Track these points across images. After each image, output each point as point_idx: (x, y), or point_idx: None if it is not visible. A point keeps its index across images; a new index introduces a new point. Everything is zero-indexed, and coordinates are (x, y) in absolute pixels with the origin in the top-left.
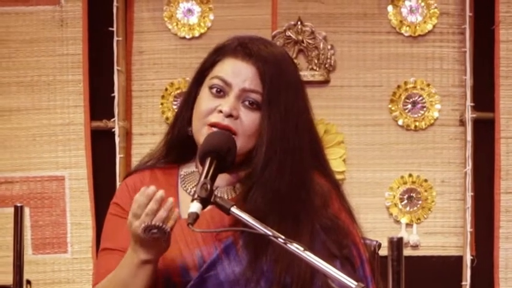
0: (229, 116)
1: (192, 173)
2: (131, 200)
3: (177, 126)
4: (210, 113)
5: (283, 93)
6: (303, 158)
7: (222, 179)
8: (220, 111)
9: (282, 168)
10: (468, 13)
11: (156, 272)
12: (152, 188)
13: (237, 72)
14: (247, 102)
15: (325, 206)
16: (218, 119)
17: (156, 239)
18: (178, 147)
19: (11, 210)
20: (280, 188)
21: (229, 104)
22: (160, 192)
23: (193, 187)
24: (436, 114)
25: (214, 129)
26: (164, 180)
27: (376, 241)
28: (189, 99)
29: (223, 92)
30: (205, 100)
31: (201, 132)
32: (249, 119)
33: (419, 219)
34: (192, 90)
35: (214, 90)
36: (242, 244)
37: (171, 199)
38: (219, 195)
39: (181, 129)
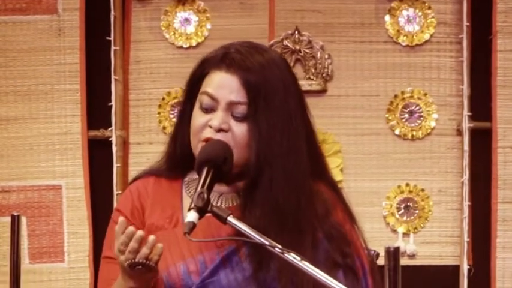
0: (220, 130)
1: (196, 179)
2: (132, 206)
3: (178, 142)
4: (202, 128)
5: (269, 100)
6: (299, 164)
7: (227, 186)
8: (211, 126)
9: (276, 176)
10: (465, 23)
11: None
12: (131, 228)
13: (222, 85)
14: (235, 115)
15: (328, 214)
16: (209, 134)
17: (143, 272)
18: (181, 161)
19: (8, 219)
20: (277, 197)
21: (218, 119)
22: (140, 232)
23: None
24: (433, 124)
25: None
26: (168, 186)
27: (374, 251)
28: (184, 114)
29: (212, 108)
30: (196, 116)
31: (197, 149)
32: (239, 131)
33: (416, 228)
34: (186, 105)
35: (203, 107)
36: (245, 252)
37: (152, 237)
38: (223, 202)
39: (182, 145)
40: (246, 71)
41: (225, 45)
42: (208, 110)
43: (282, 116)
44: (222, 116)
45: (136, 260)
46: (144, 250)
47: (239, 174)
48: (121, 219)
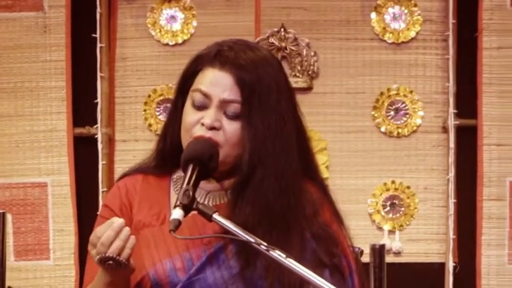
0: (212, 128)
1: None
2: (120, 203)
3: (168, 137)
4: (194, 126)
5: (263, 99)
6: (290, 163)
7: (215, 184)
8: (203, 124)
9: (268, 175)
10: (451, 20)
11: None
12: (115, 218)
13: (215, 83)
14: (228, 113)
15: (316, 214)
16: (201, 132)
17: (113, 267)
18: (170, 158)
19: None
20: (268, 196)
21: (210, 117)
22: (121, 221)
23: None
24: (418, 121)
25: None
26: (156, 184)
27: (358, 248)
28: (176, 110)
29: (204, 105)
30: (188, 113)
31: None
32: (231, 129)
33: (401, 226)
34: (178, 101)
35: (196, 105)
36: (232, 250)
37: (127, 228)
38: (211, 199)
39: (172, 141)
40: (240, 69)
41: (218, 42)
42: (200, 107)
43: (275, 115)
44: (215, 114)
45: (107, 254)
46: (116, 243)
47: (228, 172)
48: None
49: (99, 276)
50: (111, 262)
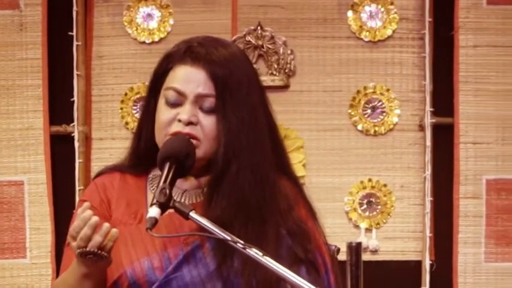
0: (189, 123)
1: (160, 175)
2: (100, 198)
3: (143, 137)
4: (170, 123)
5: (234, 93)
6: (264, 155)
7: (191, 182)
8: (180, 120)
9: (243, 168)
10: (428, 18)
11: (102, 281)
12: (88, 212)
13: (188, 79)
14: (204, 108)
15: (291, 209)
16: (178, 128)
17: (94, 260)
18: (145, 157)
19: None
20: (243, 188)
21: (187, 112)
22: (95, 218)
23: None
24: (395, 119)
25: None
26: (133, 182)
27: (335, 246)
28: (148, 109)
29: (178, 102)
30: (162, 111)
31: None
32: (209, 123)
33: (378, 224)
34: (150, 100)
35: (170, 103)
36: (209, 247)
37: (107, 224)
38: (187, 198)
39: (146, 141)
40: (212, 64)
41: (187, 40)
42: (174, 105)
43: (247, 109)
44: (191, 109)
45: (88, 249)
46: (97, 238)
47: (204, 168)
48: (87, 204)
49: (74, 266)
50: (91, 256)
